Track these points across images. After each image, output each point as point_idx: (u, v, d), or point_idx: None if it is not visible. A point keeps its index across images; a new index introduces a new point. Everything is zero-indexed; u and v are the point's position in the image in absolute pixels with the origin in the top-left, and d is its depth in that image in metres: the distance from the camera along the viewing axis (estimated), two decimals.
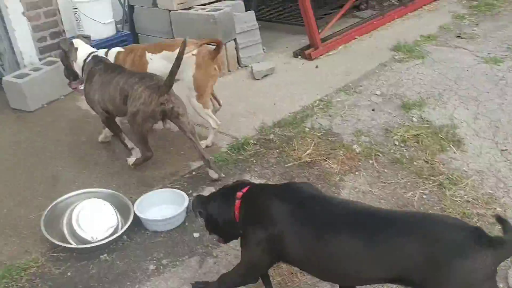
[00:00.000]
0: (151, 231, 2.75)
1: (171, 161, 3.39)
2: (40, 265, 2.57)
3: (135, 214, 2.75)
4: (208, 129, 3.50)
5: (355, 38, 5.38)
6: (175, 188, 3.04)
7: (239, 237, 2.04)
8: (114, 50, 3.42)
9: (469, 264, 1.55)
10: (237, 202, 1.99)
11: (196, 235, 2.72)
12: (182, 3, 4.74)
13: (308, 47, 5.15)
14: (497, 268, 1.60)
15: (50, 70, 4.50)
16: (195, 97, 3.34)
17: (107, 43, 4.68)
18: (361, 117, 3.76)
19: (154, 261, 2.55)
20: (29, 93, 4.28)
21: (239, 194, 2.01)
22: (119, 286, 2.42)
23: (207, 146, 3.44)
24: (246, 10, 4.96)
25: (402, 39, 5.11)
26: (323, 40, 5.21)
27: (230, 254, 2.55)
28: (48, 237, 2.61)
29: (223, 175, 3.13)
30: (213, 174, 3.09)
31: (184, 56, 2.82)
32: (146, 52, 3.36)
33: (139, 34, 5.19)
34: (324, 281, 2.13)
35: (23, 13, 4.64)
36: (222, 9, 4.66)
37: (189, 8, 4.77)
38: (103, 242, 2.60)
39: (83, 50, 3.27)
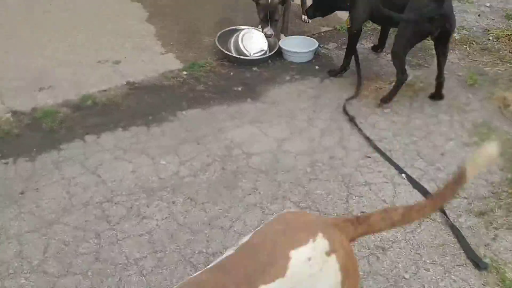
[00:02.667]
0: (288, 60, 3.84)
1: (306, 26, 4.41)
2: (212, 66, 3.77)
3: (279, 47, 3.85)
4: None
5: None
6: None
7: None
8: None
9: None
10: None
11: (317, 67, 3.78)
12: None
13: None
14: None
15: None
16: None
17: None
18: (467, 19, 4.50)
19: (289, 76, 3.66)
20: None
21: None
22: (265, 85, 3.56)
23: None
24: None
25: None
26: None
27: (338, 80, 3.58)
28: (220, 47, 3.80)
29: None
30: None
31: None
32: None
33: None
34: None
35: None
36: None
37: None
38: (257, 58, 3.76)
39: None
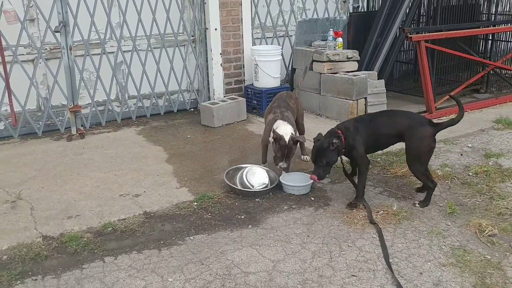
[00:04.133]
0: (287, 193, 4.34)
1: (305, 164, 4.98)
2: (219, 198, 4.27)
3: (279, 181, 4.37)
4: None
5: (467, 111, 6.60)
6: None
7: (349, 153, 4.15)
8: None
9: (424, 128, 3.99)
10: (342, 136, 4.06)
11: (312, 198, 4.25)
12: (330, 69, 6.51)
13: (424, 112, 6.53)
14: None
15: (231, 103, 6.49)
16: None
17: (273, 91, 6.58)
18: (450, 158, 5.04)
19: (287, 205, 4.12)
20: (216, 114, 6.27)
21: (339, 131, 4.07)
22: (265, 213, 4.01)
23: None
24: (379, 79, 6.57)
25: (506, 116, 6.25)
26: (439, 109, 6.56)
27: (331, 209, 4.02)
28: (227, 182, 4.33)
29: None
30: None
31: None
32: None
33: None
34: None
35: (221, 64, 6.79)
36: (359, 75, 6.32)
37: (335, 73, 6.51)
38: (259, 190, 4.26)
39: None
